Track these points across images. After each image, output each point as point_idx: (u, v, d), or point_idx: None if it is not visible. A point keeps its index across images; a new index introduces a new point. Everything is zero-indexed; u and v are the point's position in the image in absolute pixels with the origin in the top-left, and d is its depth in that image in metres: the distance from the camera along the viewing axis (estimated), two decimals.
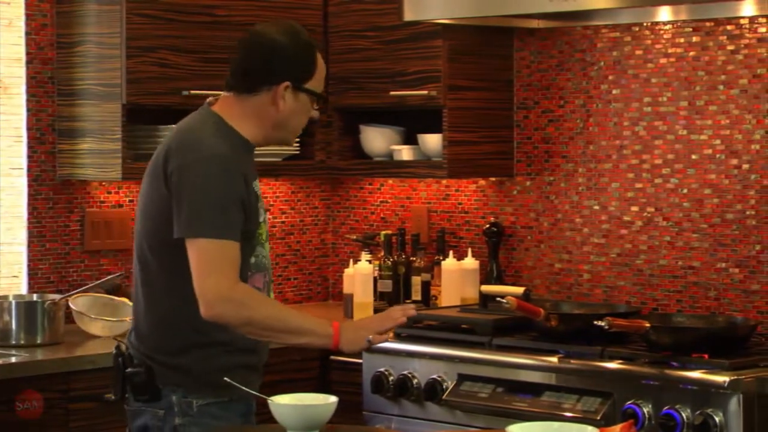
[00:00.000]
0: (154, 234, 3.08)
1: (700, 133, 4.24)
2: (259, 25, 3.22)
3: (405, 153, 4.65)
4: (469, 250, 4.64)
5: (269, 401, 2.79)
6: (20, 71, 4.44)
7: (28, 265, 4.44)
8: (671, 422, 3.51)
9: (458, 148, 4.50)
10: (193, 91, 4.40)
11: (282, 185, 5.03)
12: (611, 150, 4.43)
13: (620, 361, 3.71)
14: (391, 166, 4.70)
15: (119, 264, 4.61)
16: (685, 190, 4.27)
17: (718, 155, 4.20)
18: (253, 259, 3.10)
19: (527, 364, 3.84)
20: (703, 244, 4.23)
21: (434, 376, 3.98)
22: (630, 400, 3.61)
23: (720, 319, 4.03)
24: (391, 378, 4.08)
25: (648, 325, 3.73)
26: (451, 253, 4.62)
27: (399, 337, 4.14)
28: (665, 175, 4.31)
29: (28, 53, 4.44)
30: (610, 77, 4.43)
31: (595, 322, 3.71)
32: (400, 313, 3.13)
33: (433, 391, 3.96)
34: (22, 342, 4.05)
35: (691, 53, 4.25)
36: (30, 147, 4.46)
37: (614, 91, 4.43)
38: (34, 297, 4.24)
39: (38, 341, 4.06)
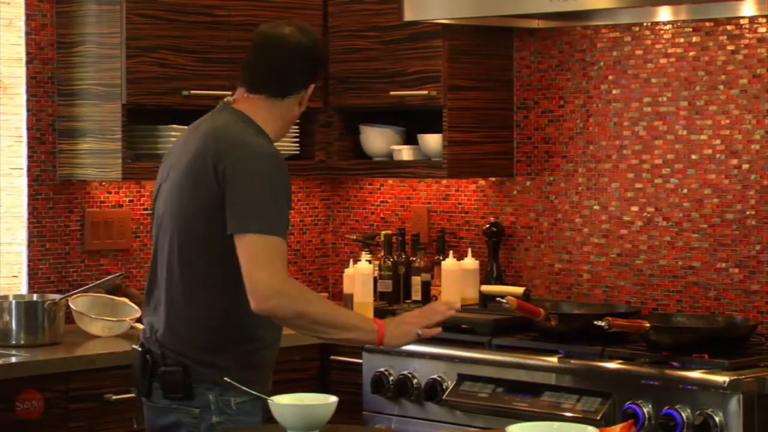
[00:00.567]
0: (202, 234, 3.08)
1: (700, 133, 4.24)
2: (279, 29, 3.24)
3: (405, 153, 4.65)
4: (469, 250, 4.64)
5: (269, 401, 2.79)
6: (20, 71, 4.44)
7: (28, 265, 4.44)
8: (671, 422, 3.51)
9: (458, 148, 4.50)
10: (193, 91, 4.40)
11: None
12: (611, 150, 4.43)
13: (620, 361, 3.71)
14: (391, 166, 4.70)
15: (119, 264, 4.61)
16: (685, 190, 4.27)
17: (718, 155, 4.20)
18: None
19: (527, 364, 3.84)
20: (703, 244, 4.23)
21: (434, 376, 3.98)
22: (630, 400, 3.61)
23: (720, 319, 4.03)
24: (391, 378, 4.08)
25: (648, 325, 3.73)
26: (451, 253, 4.62)
27: None
28: (665, 175, 4.31)
29: (28, 53, 4.45)
30: (610, 77, 4.44)
31: (595, 322, 3.71)
32: (446, 306, 3.22)
33: (433, 391, 3.96)
34: (22, 342, 4.05)
35: (691, 53, 4.25)
36: (30, 147, 4.46)
37: (614, 91, 4.43)
38: (34, 297, 4.24)
39: (38, 341, 4.06)
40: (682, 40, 4.26)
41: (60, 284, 4.48)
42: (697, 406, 3.50)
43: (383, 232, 4.75)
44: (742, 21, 4.13)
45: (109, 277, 4.44)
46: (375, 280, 4.64)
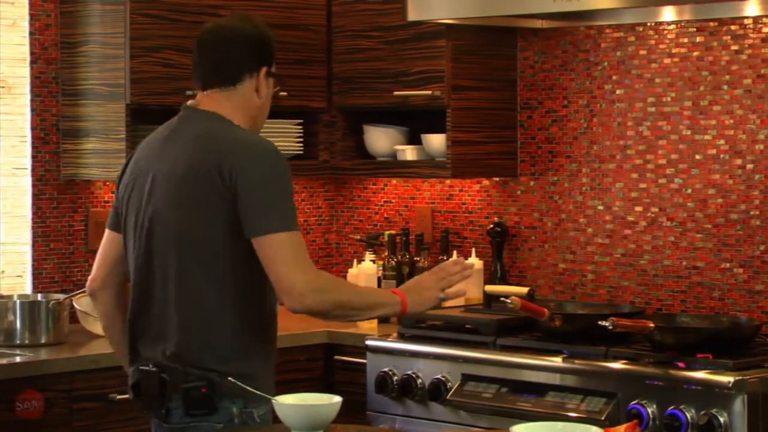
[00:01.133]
0: (214, 244, 3.01)
1: (704, 133, 4.23)
2: (218, 21, 3.24)
3: (409, 153, 4.65)
4: (473, 250, 4.64)
5: (273, 401, 2.79)
6: (24, 71, 4.44)
7: (33, 265, 4.44)
8: (676, 422, 3.51)
9: (462, 148, 4.50)
10: (195, 91, 4.39)
11: None
12: (615, 150, 4.43)
13: (624, 362, 3.71)
14: (394, 166, 4.69)
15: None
16: (689, 190, 4.27)
17: (722, 155, 4.20)
18: None
19: (531, 365, 3.84)
20: (707, 244, 4.23)
21: (438, 376, 3.98)
22: (634, 400, 3.61)
23: (724, 319, 4.03)
24: (395, 378, 4.08)
25: (652, 325, 3.72)
26: (455, 253, 4.61)
27: (403, 337, 4.15)
28: (669, 175, 4.31)
29: (32, 53, 4.45)
30: (614, 77, 4.43)
31: (600, 323, 3.71)
32: (460, 266, 3.18)
33: (437, 391, 3.96)
34: (27, 342, 4.05)
35: (695, 53, 4.24)
36: (34, 147, 4.46)
37: (618, 91, 4.42)
38: (39, 297, 4.25)
39: (42, 341, 4.06)
40: (686, 40, 4.26)
41: (64, 284, 4.48)
42: (701, 406, 3.50)
43: (387, 232, 4.75)
44: (746, 21, 4.13)
45: None
46: (379, 280, 4.64)
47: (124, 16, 4.30)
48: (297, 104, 4.68)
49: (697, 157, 4.25)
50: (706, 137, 4.23)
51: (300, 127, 4.73)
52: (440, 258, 4.65)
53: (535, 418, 3.58)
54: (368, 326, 4.37)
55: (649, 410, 3.57)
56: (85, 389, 3.88)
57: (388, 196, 5.00)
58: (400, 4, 4.33)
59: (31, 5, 4.43)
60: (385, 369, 4.09)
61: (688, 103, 4.27)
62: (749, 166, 4.15)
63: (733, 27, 4.16)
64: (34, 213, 4.45)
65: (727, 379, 3.48)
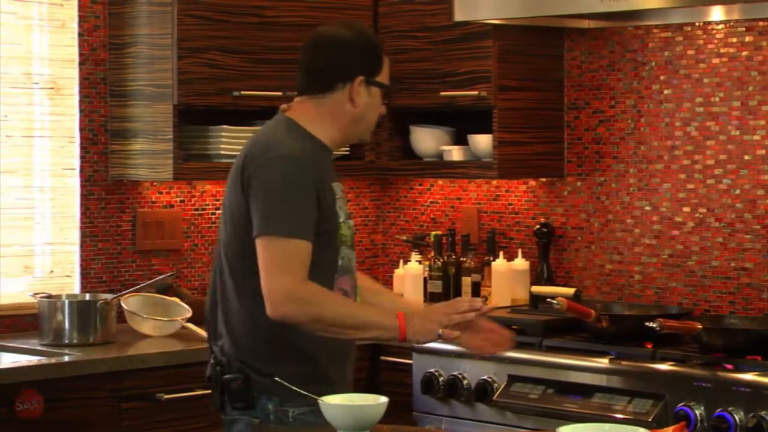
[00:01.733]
0: (240, 241, 3.06)
1: (753, 133, 4.20)
2: (322, 27, 3.24)
3: (455, 153, 4.65)
4: (519, 250, 4.62)
5: (320, 401, 2.79)
6: (73, 72, 4.47)
7: (81, 265, 4.47)
8: (724, 424, 3.49)
9: (508, 148, 4.49)
10: (243, 92, 4.42)
11: None
12: (663, 150, 4.41)
13: (672, 363, 3.69)
14: (441, 167, 4.69)
15: (170, 264, 4.63)
16: (737, 191, 4.24)
17: None
18: (339, 261, 3.11)
19: (578, 365, 3.82)
20: (755, 245, 4.20)
21: (484, 377, 3.97)
22: (682, 402, 3.59)
23: None
24: (441, 378, 4.07)
25: (700, 326, 3.70)
26: (501, 253, 4.60)
27: None
28: (717, 175, 4.28)
29: (80, 54, 4.48)
30: (662, 77, 4.41)
31: (647, 324, 3.69)
32: (467, 305, 3.09)
33: (483, 391, 3.96)
34: (75, 341, 4.08)
35: (744, 53, 4.21)
36: (83, 147, 4.49)
37: (666, 92, 4.40)
38: (87, 296, 4.27)
39: (91, 340, 4.09)
40: (734, 39, 4.23)
41: (112, 284, 4.51)
42: (750, 408, 3.47)
43: (433, 233, 4.74)
44: None
45: (161, 276, 4.46)
46: (425, 280, 4.64)
47: (172, 17, 4.32)
48: None
49: (746, 157, 4.22)
50: (755, 137, 4.19)
51: None
52: (487, 258, 4.64)
53: (581, 419, 3.57)
54: None
55: (697, 412, 3.55)
56: (133, 389, 3.90)
57: (434, 197, 5.00)
58: (447, 5, 4.33)
59: (80, 7, 4.46)
60: (431, 370, 4.09)
61: (736, 103, 4.23)
62: None
63: None
64: (83, 213, 4.48)
65: None
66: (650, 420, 3.60)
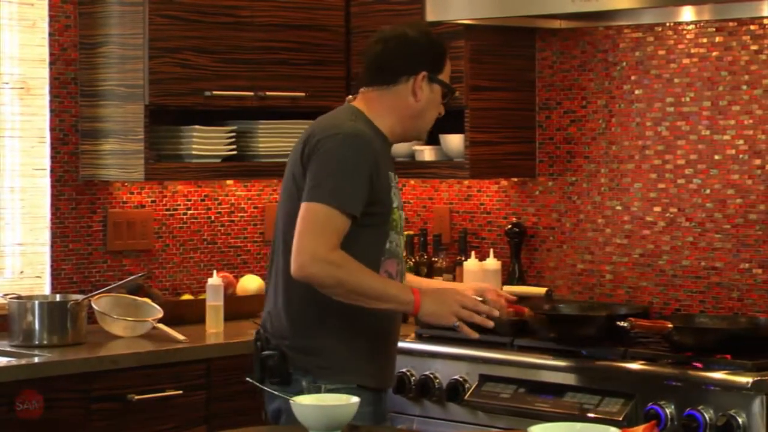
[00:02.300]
0: (290, 218, 3.16)
1: (723, 133, 4.22)
2: (387, 26, 3.39)
3: (427, 153, 4.65)
4: (491, 250, 4.63)
5: (291, 401, 2.79)
6: (44, 72, 4.45)
7: (51, 266, 4.45)
8: (694, 423, 3.50)
9: (480, 148, 4.49)
10: (215, 92, 4.41)
11: None
12: (634, 150, 4.42)
13: (643, 362, 3.70)
14: (413, 167, 4.69)
15: (141, 264, 4.62)
16: (707, 191, 4.26)
17: (741, 155, 4.18)
18: (387, 245, 3.20)
19: (549, 365, 3.83)
20: (726, 244, 4.21)
21: (456, 377, 3.98)
22: (652, 401, 3.60)
23: (743, 319, 4.01)
24: (413, 378, 4.07)
25: (671, 325, 3.71)
26: (473, 253, 4.61)
27: (420, 338, 4.14)
28: (688, 175, 4.30)
29: (51, 54, 4.46)
30: (633, 77, 4.42)
31: (618, 323, 3.70)
32: (486, 310, 3.17)
33: (455, 391, 3.96)
34: (45, 342, 4.06)
35: (714, 53, 4.23)
36: (53, 148, 4.47)
37: (637, 92, 4.41)
38: (57, 297, 4.26)
39: (61, 342, 4.07)
40: (705, 40, 4.25)
41: (83, 285, 4.49)
42: (720, 407, 3.49)
43: (405, 233, 4.73)
44: (765, 21, 4.11)
45: (132, 277, 4.45)
46: None
47: (143, 17, 4.31)
48: (316, 105, 4.67)
49: (716, 157, 4.24)
50: (725, 137, 4.21)
51: None
52: (458, 258, 4.64)
53: (553, 418, 3.58)
54: None
55: (668, 411, 3.56)
56: (104, 390, 3.88)
57: (406, 197, 5.00)
58: (419, 5, 4.33)
59: (51, 6, 4.44)
60: (403, 369, 4.09)
61: (707, 103, 4.25)
62: None
63: (752, 27, 4.14)
64: (53, 214, 4.46)
65: (745, 379, 3.47)
66: (621, 419, 3.61)
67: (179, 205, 4.72)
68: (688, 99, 4.29)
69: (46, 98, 4.46)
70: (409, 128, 3.30)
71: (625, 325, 3.69)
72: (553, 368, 3.82)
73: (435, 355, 4.04)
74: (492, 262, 4.55)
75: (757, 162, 4.15)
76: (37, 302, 4.13)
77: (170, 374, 3.99)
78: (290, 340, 3.18)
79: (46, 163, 4.47)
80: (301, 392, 3.07)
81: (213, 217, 4.80)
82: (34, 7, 4.43)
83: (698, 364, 3.60)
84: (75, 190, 4.51)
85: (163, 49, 4.33)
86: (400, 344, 4.10)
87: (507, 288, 4.24)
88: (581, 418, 3.66)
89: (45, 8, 4.43)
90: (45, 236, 4.45)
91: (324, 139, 3.14)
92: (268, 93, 4.54)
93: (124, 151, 4.36)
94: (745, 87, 4.16)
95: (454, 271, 4.64)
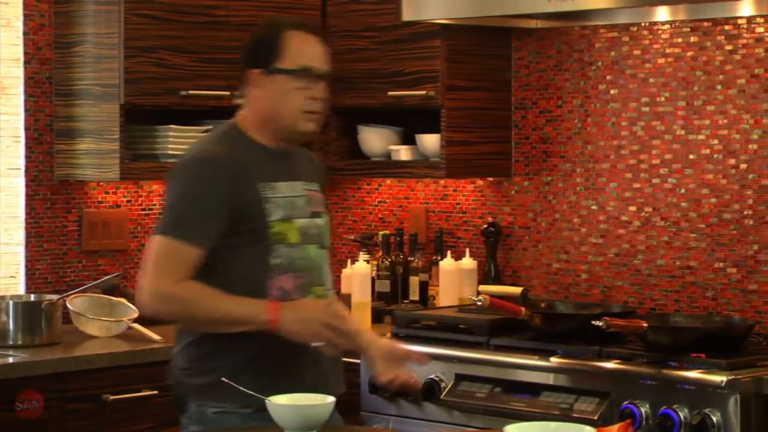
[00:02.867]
0: None
1: (698, 133, 4.23)
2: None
3: (403, 153, 4.65)
4: (467, 250, 4.63)
5: (267, 402, 2.79)
6: (18, 71, 4.44)
7: (26, 266, 4.44)
8: (668, 422, 3.51)
9: (456, 148, 4.50)
10: (191, 92, 4.40)
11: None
12: (609, 150, 4.43)
13: (618, 361, 3.70)
14: (389, 167, 4.69)
15: (117, 264, 4.61)
16: (682, 190, 4.27)
17: (715, 155, 4.20)
18: (275, 260, 3.06)
19: (525, 364, 3.84)
20: (700, 243, 4.23)
21: (432, 376, 3.97)
22: (627, 399, 3.60)
23: (717, 318, 4.02)
24: None
25: (645, 325, 3.72)
26: (449, 253, 4.61)
27: (396, 337, 4.14)
28: (663, 175, 4.31)
29: (26, 53, 4.44)
30: (608, 77, 4.43)
31: (593, 322, 3.71)
32: (342, 337, 3.03)
33: (431, 391, 3.96)
34: (20, 342, 4.04)
35: (689, 53, 4.24)
36: (28, 147, 4.46)
37: (612, 91, 4.42)
38: (32, 297, 4.24)
39: (36, 341, 4.05)
40: (680, 40, 4.26)
41: (57, 284, 4.48)
42: (694, 405, 3.50)
43: (381, 232, 4.75)
44: (740, 21, 4.13)
45: (107, 277, 4.44)
46: (373, 280, 4.64)
47: (119, 16, 4.30)
48: None
49: (691, 156, 4.25)
50: (700, 137, 4.23)
51: None
52: (434, 258, 4.65)
53: (528, 417, 3.58)
54: None
55: (642, 410, 3.57)
56: (79, 390, 3.87)
57: (382, 196, 5.00)
58: (395, 5, 4.33)
59: (25, 5, 4.42)
60: None
61: (682, 103, 4.27)
62: (743, 166, 4.14)
63: (726, 27, 4.16)
64: (28, 213, 4.45)
65: (720, 378, 3.48)
66: (596, 418, 3.61)
67: (155, 204, 4.71)
68: (663, 99, 4.30)
69: (21, 97, 4.44)
70: (279, 129, 3.12)
71: (601, 324, 3.69)
72: (528, 367, 3.82)
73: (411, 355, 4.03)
74: (468, 262, 4.56)
75: (732, 162, 4.16)
76: (11, 302, 4.11)
77: (146, 374, 3.98)
78: (181, 364, 3.11)
79: (21, 162, 4.45)
80: (190, 416, 3.06)
81: None
82: (8, 5, 4.42)
83: (673, 363, 3.61)
84: (50, 190, 4.49)
85: (139, 49, 4.32)
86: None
87: (483, 287, 4.24)
88: (557, 417, 3.67)
89: (19, 7, 4.42)
90: (20, 236, 4.44)
91: (173, 166, 3.11)
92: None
93: (99, 150, 4.35)
94: (719, 87, 4.18)
95: (430, 270, 4.64)
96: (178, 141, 4.41)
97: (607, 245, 4.43)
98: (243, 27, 4.52)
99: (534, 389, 3.79)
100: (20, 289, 4.43)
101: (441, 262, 4.57)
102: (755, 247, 4.11)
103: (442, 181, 4.81)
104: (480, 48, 4.57)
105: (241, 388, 2.94)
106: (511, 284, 4.53)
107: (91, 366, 3.90)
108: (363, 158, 4.81)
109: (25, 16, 4.43)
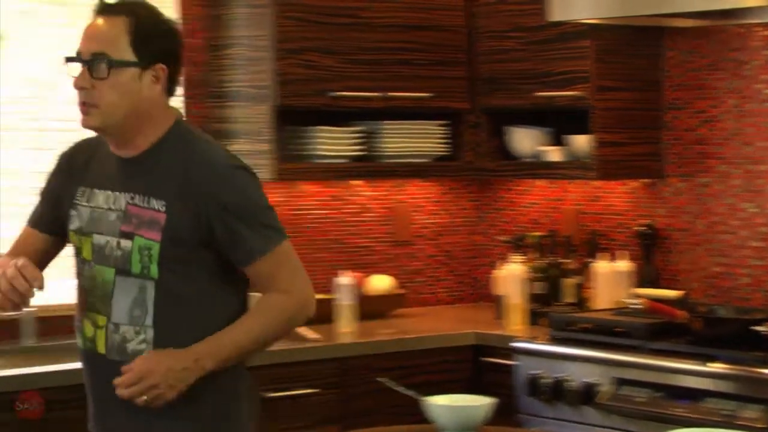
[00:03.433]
0: None
1: None
2: None
3: (554, 154, 4.59)
4: (623, 252, 4.55)
5: (425, 401, 2.78)
6: None
7: None
8: None
9: (607, 149, 4.43)
10: (339, 93, 4.40)
11: (432, 186, 5.01)
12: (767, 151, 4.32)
13: None
14: (539, 167, 4.64)
15: None
16: None
17: None
18: (79, 272, 2.88)
19: (684, 369, 3.77)
20: None
21: (590, 380, 3.92)
22: None
23: None
24: (546, 381, 4.03)
25: None
26: (603, 255, 4.53)
27: (554, 340, 4.10)
28: None
29: None
30: (763, 76, 4.33)
31: (754, 328, 3.62)
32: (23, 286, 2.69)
33: (589, 394, 3.91)
34: None
35: None
36: None
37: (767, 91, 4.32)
38: None
39: None
40: None
41: None
42: None
43: (534, 234, 4.69)
44: None
45: None
46: (526, 282, 4.57)
47: (270, 18, 4.32)
48: (439, 105, 4.66)
49: None
50: None
51: (445, 128, 4.70)
52: (588, 260, 4.56)
53: (689, 424, 3.53)
54: (515, 328, 4.37)
55: None
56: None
57: (534, 198, 4.95)
58: (540, 5, 4.29)
59: (182, 8, 4.47)
60: (536, 371, 4.05)
61: None
62: None
63: None
64: None
65: None
66: (762, 426, 3.53)
67: (308, 205, 4.72)
68: None
69: (181, 99, 4.47)
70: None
71: (762, 329, 3.60)
72: (689, 372, 3.75)
73: (568, 357, 4.00)
74: (623, 264, 4.48)
75: None
76: None
77: (303, 373, 3.99)
78: None
79: None
80: None
81: (341, 217, 4.80)
82: (163, 8, 4.45)
83: None
84: None
85: (289, 51, 4.34)
86: (533, 346, 4.09)
87: (638, 290, 4.17)
88: (719, 424, 3.59)
89: (174, 11, 4.46)
90: None
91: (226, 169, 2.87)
92: (392, 93, 4.52)
93: (252, 151, 4.37)
94: None
95: (583, 272, 4.57)
96: (329, 142, 4.42)
97: None
98: (388, 28, 4.53)
99: (695, 395, 3.72)
100: None
101: (596, 264, 4.50)
102: None
103: (594, 183, 4.74)
104: (629, 48, 4.50)
105: (399, 388, 2.94)
106: (669, 287, 4.43)
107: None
108: (512, 159, 4.76)
109: (180, 20, 4.47)
